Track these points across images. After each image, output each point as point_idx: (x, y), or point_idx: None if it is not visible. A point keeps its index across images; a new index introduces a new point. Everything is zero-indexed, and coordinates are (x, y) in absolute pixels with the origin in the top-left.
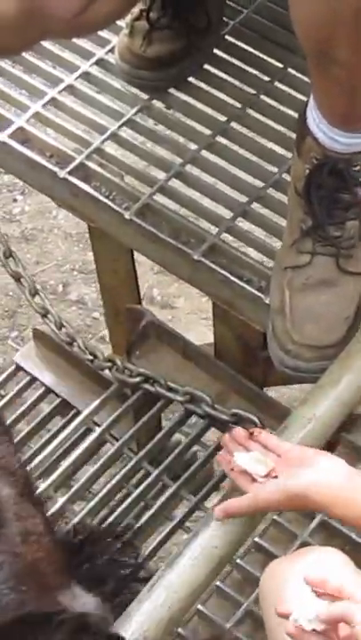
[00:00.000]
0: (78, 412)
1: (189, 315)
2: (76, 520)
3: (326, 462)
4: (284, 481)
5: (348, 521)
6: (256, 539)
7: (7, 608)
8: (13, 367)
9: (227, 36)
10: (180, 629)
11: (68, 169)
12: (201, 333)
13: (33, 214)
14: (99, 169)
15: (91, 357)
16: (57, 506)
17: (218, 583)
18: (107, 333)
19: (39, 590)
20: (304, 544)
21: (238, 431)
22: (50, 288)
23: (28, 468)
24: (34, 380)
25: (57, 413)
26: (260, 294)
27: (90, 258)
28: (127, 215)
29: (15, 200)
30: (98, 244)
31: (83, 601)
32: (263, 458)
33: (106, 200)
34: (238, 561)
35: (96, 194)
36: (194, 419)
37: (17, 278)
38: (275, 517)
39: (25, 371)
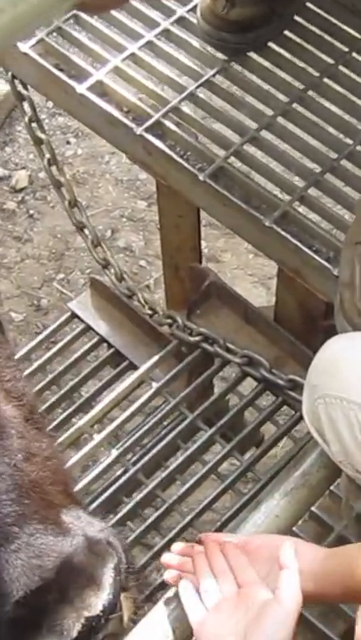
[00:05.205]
0: (130, 363)
1: (235, 270)
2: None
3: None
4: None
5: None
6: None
7: (6, 519)
8: (68, 314)
9: (308, 3)
10: None
11: (144, 126)
12: (246, 290)
13: (85, 158)
14: (175, 128)
15: (150, 312)
16: (111, 458)
17: None
18: (152, 282)
19: (42, 506)
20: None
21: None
22: (98, 233)
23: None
24: (88, 328)
25: (108, 363)
26: (327, 264)
27: (139, 206)
28: (201, 176)
29: (68, 142)
30: (164, 200)
31: (87, 521)
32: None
33: (180, 159)
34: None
35: (171, 152)
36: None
37: (80, 227)
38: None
39: (80, 319)
